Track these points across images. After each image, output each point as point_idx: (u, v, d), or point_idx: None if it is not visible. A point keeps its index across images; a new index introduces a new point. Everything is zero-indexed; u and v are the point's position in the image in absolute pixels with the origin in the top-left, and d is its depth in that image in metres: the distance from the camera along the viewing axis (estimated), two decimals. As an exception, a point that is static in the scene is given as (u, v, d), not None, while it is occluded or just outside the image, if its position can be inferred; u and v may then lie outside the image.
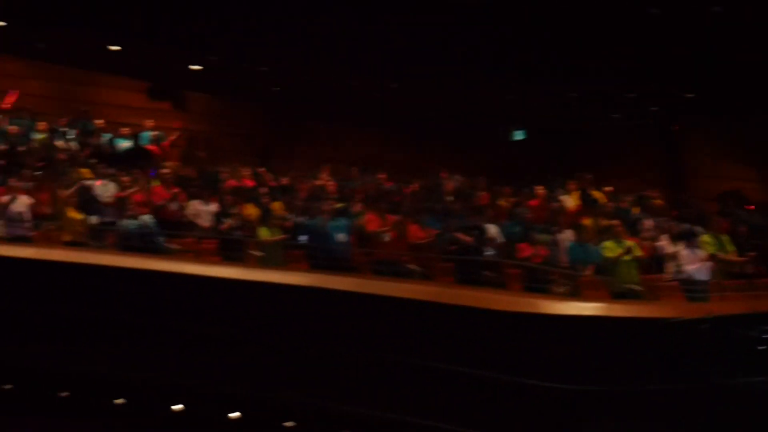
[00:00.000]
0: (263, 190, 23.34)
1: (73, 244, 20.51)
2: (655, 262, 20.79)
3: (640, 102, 24.84)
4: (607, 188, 24.05)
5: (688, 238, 20.64)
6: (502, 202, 22.93)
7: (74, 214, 20.71)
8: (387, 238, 20.97)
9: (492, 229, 20.88)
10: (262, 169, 24.78)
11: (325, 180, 24.00)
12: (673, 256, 20.33)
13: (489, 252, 20.57)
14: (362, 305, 19.63)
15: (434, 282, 20.37)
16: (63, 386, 21.03)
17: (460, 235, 20.54)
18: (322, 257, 20.43)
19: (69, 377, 20.66)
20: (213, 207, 21.63)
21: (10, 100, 26.72)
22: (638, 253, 20.02)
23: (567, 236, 20.79)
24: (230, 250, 20.80)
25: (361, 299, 19.65)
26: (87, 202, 21.32)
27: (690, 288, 19.76)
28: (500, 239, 20.86)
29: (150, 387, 20.49)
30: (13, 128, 25.06)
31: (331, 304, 19.72)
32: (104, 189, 21.94)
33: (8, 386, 21.00)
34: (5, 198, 20.49)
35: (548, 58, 23.16)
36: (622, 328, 19.00)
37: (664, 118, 25.48)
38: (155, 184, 22.65)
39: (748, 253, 21.03)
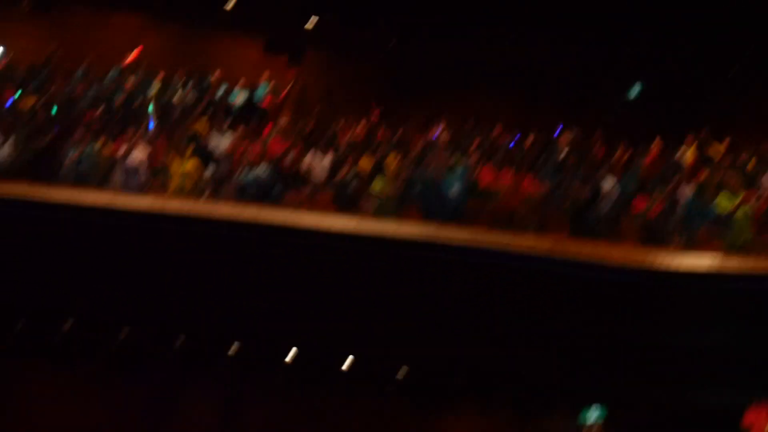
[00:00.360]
0: (378, 142, 23.30)
1: (190, 196, 20.65)
2: None
3: (760, 57, 24.66)
4: (725, 142, 23.71)
5: None
6: (618, 157, 22.60)
7: (192, 165, 20.98)
8: (501, 190, 21.00)
9: (608, 184, 20.91)
10: (377, 122, 24.78)
11: (440, 133, 23.86)
12: None
13: (604, 206, 20.59)
14: (475, 257, 19.69)
15: (549, 235, 20.36)
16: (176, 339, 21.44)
17: (575, 189, 20.58)
18: (436, 210, 20.45)
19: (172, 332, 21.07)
20: (328, 159, 21.72)
21: (133, 56, 27.19)
22: (754, 209, 19.98)
23: (683, 191, 20.69)
24: (345, 202, 20.89)
25: (474, 252, 19.87)
26: (202, 154, 21.54)
27: None
28: (616, 194, 20.83)
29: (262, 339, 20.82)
30: (129, 82, 25.36)
31: (445, 257, 19.72)
32: (219, 141, 22.26)
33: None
34: (121, 150, 20.77)
35: (665, 11, 22.99)
36: (738, 286, 19.35)
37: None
38: (270, 136, 22.73)
39: None
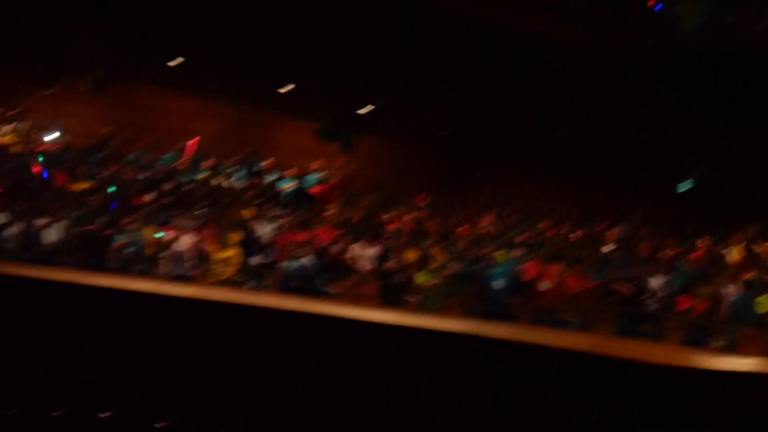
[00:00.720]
0: (425, 234, 23.04)
1: (230, 284, 20.67)
2: None
3: None
4: None
5: None
6: (666, 253, 22.57)
7: (232, 252, 20.98)
8: (546, 286, 20.90)
9: (655, 282, 20.74)
10: (425, 213, 24.69)
11: (488, 226, 23.75)
12: None
13: (651, 304, 20.54)
14: (517, 354, 19.71)
15: (591, 333, 20.26)
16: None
17: (620, 286, 20.54)
18: (480, 304, 20.40)
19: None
20: (374, 250, 21.64)
21: (191, 148, 27.19)
22: None
23: (730, 290, 20.41)
24: (389, 295, 20.83)
25: (516, 348, 19.77)
26: (248, 241, 21.53)
27: None
28: (663, 292, 20.68)
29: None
30: (180, 165, 25.67)
31: (487, 351, 19.73)
32: (266, 229, 22.25)
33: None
34: (170, 237, 20.85)
35: (717, 107, 22.87)
36: None
37: None
38: (318, 225, 22.72)
39: None
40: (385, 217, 24.03)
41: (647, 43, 23.27)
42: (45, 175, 23.46)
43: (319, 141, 26.22)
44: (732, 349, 19.24)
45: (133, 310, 19.97)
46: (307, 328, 20.00)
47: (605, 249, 23.11)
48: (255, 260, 21.19)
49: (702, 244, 23.12)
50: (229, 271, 20.76)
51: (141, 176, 24.53)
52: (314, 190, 25.80)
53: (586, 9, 23.14)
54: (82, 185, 23.22)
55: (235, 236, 21.55)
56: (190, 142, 26.67)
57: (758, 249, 23.07)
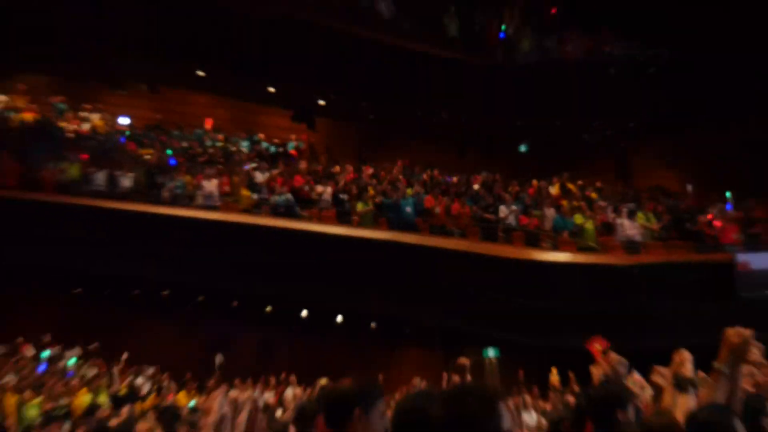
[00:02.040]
0: (361, 180, 24.45)
1: (244, 212, 21.87)
2: (607, 228, 21.91)
3: (603, 129, 26.28)
4: (579, 182, 25.23)
5: (629, 214, 22.05)
6: (512, 190, 24.18)
7: (245, 192, 22.15)
8: (438, 210, 22.53)
9: (503, 209, 22.35)
10: (360, 166, 25.92)
11: (399, 173, 24.83)
12: (620, 225, 21.75)
13: (503, 221, 22.61)
14: (421, 253, 21.31)
15: (467, 239, 21.93)
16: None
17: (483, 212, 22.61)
18: (396, 222, 21.87)
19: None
20: (330, 189, 22.91)
21: (208, 124, 28.52)
22: (595, 223, 21.78)
23: (551, 212, 22.31)
24: (341, 217, 22.23)
25: (420, 249, 21.42)
26: (251, 184, 22.67)
27: (629, 245, 21.46)
28: (510, 214, 22.26)
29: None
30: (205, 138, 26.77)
31: (401, 251, 21.37)
32: (262, 176, 23.34)
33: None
34: (202, 181, 21.96)
35: (540, 103, 24.94)
36: (584, 271, 21.14)
37: (618, 138, 26.61)
38: (294, 174, 23.76)
39: (665, 224, 22.17)
40: (336, 169, 25.19)
41: (497, 59, 24.99)
42: (122, 140, 25.02)
43: (294, 122, 27.30)
44: (555, 248, 21.38)
45: (180, 228, 21.18)
46: (289, 238, 21.26)
47: (475, 188, 24.48)
48: (255, 196, 22.35)
49: (534, 184, 24.62)
50: (246, 203, 22.01)
51: (181, 144, 25.79)
52: (291, 152, 26.97)
53: (456, 36, 24.84)
54: (146, 151, 24.31)
55: (243, 182, 22.66)
56: (207, 123, 28.30)
57: (570, 186, 24.62)
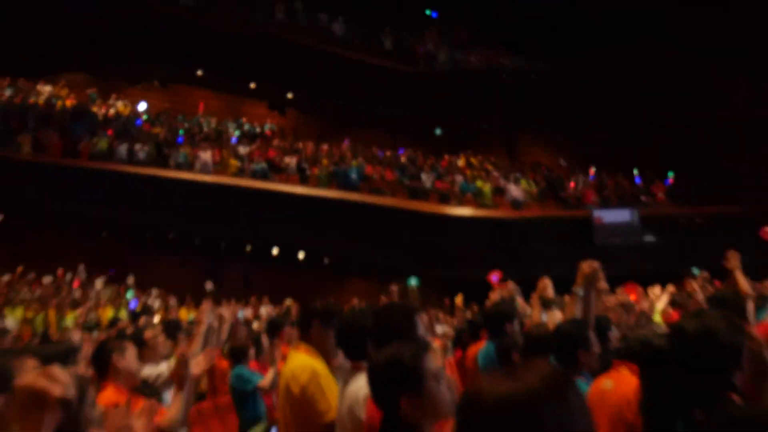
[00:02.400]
0: (319, 152, 24.29)
1: (231, 176, 21.75)
2: (498, 191, 21.94)
3: (497, 119, 26.15)
4: (479, 157, 25.29)
5: (516, 181, 21.88)
6: (430, 163, 24.09)
7: (232, 161, 22.00)
8: (376, 176, 22.44)
9: (423, 176, 22.22)
10: (319, 143, 25.72)
11: (347, 149, 24.84)
12: (508, 189, 21.63)
13: (424, 183, 22.62)
14: (363, 208, 21.38)
15: (396, 198, 21.89)
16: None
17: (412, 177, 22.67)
18: (344, 185, 21.95)
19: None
20: (295, 160, 22.77)
21: (201, 108, 28.06)
22: (490, 187, 21.66)
23: (459, 178, 22.26)
24: (302, 178, 22.22)
25: (362, 205, 21.50)
26: (236, 156, 22.56)
27: (514, 204, 21.37)
28: (427, 179, 22.34)
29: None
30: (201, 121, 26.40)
31: (349, 206, 21.36)
32: (244, 149, 23.23)
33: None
34: (199, 153, 21.79)
35: (451, 99, 24.88)
36: (482, 222, 21.21)
37: (508, 126, 26.88)
38: (269, 148, 23.70)
39: (541, 189, 22.51)
40: (299, 145, 24.96)
41: (420, 67, 24.74)
42: (139, 122, 24.73)
43: (269, 110, 27.31)
44: (460, 205, 21.25)
45: (182, 188, 21.22)
46: (264, 196, 21.25)
47: (402, 160, 24.41)
48: (239, 164, 22.09)
49: (446, 158, 24.68)
50: (234, 168, 21.89)
51: (185, 126, 25.44)
52: (267, 132, 26.75)
53: (390, 49, 24.71)
54: (157, 129, 24.10)
55: (230, 154, 22.57)
56: (200, 107, 27.99)
57: (472, 160, 24.81)
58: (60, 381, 1.32)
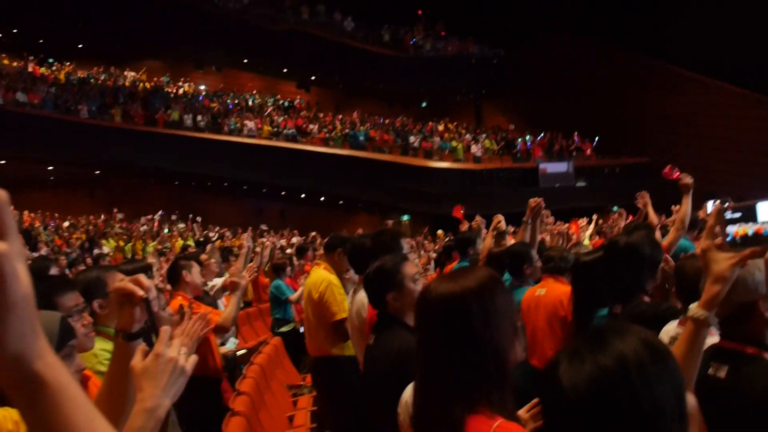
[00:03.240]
0: (335, 121, 23.69)
1: (268, 138, 21.33)
2: (468, 149, 21.79)
3: (467, 92, 26.12)
4: (454, 123, 24.67)
5: (477, 140, 22.18)
6: (417, 127, 23.57)
7: (267, 128, 21.49)
8: (377, 138, 22.08)
9: (412, 138, 22.11)
10: (335, 114, 25.14)
11: (357, 117, 23.93)
12: (475, 147, 21.62)
13: (412, 143, 22.46)
14: (368, 162, 21.11)
15: (392, 154, 21.69)
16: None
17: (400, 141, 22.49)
18: (354, 145, 21.72)
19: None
20: (317, 126, 22.37)
21: (248, 88, 27.34)
22: (462, 146, 21.68)
23: (438, 140, 21.95)
24: (324, 142, 21.70)
25: (367, 160, 21.21)
26: (272, 123, 22.08)
27: (474, 158, 21.53)
28: (416, 140, 21.96)
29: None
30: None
31: (357, 161, 21.07)
32: (278, 119, 22.62)
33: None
34: (246, 121, 21.29)
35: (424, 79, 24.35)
36: (456, 172, 21.20)
37: (475, 98, 26.53)
38: (298, 117, 23.06)
39: (500, 146, 22.31)
40: (321, 115, 24.44)
41: (411, 54, 24.02)
42: (200, 98, 23.86)
43: (298, 89, 26.05)
44: (440, 160, 21.11)
45: (234, 147, 20.62)
46: (294, 154, 20.86)
47: (397, 125, 23.81)
48: (275, 130, 21.63)
49: (430, 124, 23.97)
50: (267, 132, 21.27)
51: (234, 101, 24.44)
52: (297, 105, 25.94)
53: (388, 41, 23.72)
54: (213, 104, 23.32)
55: (267, 122, 21.95)
56: (248, 87, 26.88)
57: (449, 125, 24.03)
58: (143, 284, 1.37)
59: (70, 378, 0.59)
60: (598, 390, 0.84)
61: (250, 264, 4.75)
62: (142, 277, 1.40)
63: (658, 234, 4.11)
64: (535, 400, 1.55)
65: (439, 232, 14.51)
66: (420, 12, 24.38)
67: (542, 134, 22.74)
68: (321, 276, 3.95)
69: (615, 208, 6.31)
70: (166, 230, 17.45)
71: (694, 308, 1.38)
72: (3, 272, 0.52)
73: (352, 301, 3.43)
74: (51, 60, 23.83)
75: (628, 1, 20.21)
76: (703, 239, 1.32)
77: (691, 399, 0.94)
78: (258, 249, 7.26)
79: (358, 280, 3.48)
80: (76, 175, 23.20)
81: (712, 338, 1.77)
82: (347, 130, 22.36)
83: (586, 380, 0.85)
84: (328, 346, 3.86)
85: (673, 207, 4.96)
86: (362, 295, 3.19)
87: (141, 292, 1.37)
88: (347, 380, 3.67)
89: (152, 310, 1.38)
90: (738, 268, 1.32)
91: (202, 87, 26.47)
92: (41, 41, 23.47)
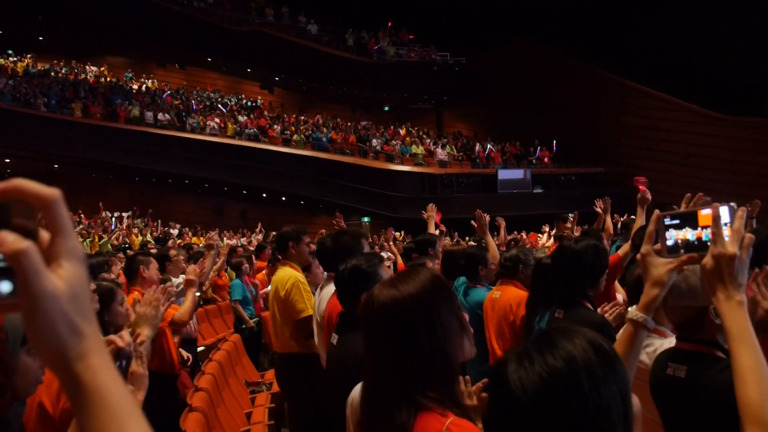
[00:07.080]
0: (298, 122, 23.43)
1: (231, 137, 21.13)
2: (429, 153, 21.78)
3: (428, 99, 26.24)
4: (416, 128, 24.52)
5: (441, 146, 21.97)
6: (379, 131, 23.48)
7: (231, 126, 21.24)
8: (339, 140, 21.94)
9: (374, 141, 22.01)
10: (298, 115, 24.79)
11: (319, 120, 23.90)
12: (435, 152, 21.60)
13: (374, 145, 22.40)
14: (330, 163, 20.90)
15: (354, 156, 21.58)
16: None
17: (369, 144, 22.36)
18: (317, 146, 21.54)
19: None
20: (279, 127, 22.01)
21: (209, 87, 26.91)
22: (423, 150, 21.58)
23: (399, 144, 21.84)
24: (285, 143, 21.40)
25: (329, 161, 20.98)
26: (236, 122, 21.73)
27: (440, 162, 21.32)
28: (377, 144, 21.95)
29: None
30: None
31: (319, 162, 20.84)
32: (242, 118, 22.34)
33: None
34: (209, 120, 21.09)
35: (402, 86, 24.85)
36: (417, 176, 21.06)
37: (436, 104, 26.56)
38: (261, 118, 22.83)
39: (459, 152, 22.49)
40: (284, 116, 24.39)
41: (374, 59, 23.87)
42: (164, 95, 23.53)
43: (261, 89, 26.56)
44: (401, 163, 21.06)
45: (195, 145, 20.34)
46: (256, 153, 20.65)
47: (360, 128, 23.69)
48: (238, 129, 21.41)
49: (391, 128, 23.95)
50: (231, 131, 21.14)
51: (198, 99, 24.23)
52: (261, 105, 25.76)
53: (352, 45, 23.97)
54: (177, 101, 23.07)
55: (231, 120, 21.72)
56: (209, 86, 26.69)
57: (411, 129, 24.02)
58: (124, 340, 1.42)
59: (112, 384, 0.55)
60: (546, 391, 0.84)
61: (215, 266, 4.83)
62: (124, 334, 1.40)
63: (605, 243, 4.24)
64: (480, 384, 1.59)
65: (400, 235, 14.59)
66: (390, 24, 24.48)
67: (493, 143, 23.11)
68: (288, 273, 3.95)
69: (569, 215, 6.46)
70: (113, 227, 17.03)
71: (633, 311, 1.41)
72: (23, 269, 0.50)
73: (318, 298, 3.46)
74: (10, 51, 23.26)
75: (588, 15, 20.61)
76: (643, 245, 1.38)
77: (635, 400, 0.95)
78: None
79: (326, 277, 3.50)
80: (34, 169, 22.58)
81: (669, 341, 1.84)
82: (311, 132, 22.29)
83: (534, 381, 0.85)
84: (293, 343, 3.88)
85: (616, 216, 5.12)
86: (327, 291, 3.22)
87: (121, 344, 1.37)
88: (310, 378, 3.71)
89: (126, 368, 1.38)
90: (675, 273, 1.35)
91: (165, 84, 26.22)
92: (0, 32, 22.92)
